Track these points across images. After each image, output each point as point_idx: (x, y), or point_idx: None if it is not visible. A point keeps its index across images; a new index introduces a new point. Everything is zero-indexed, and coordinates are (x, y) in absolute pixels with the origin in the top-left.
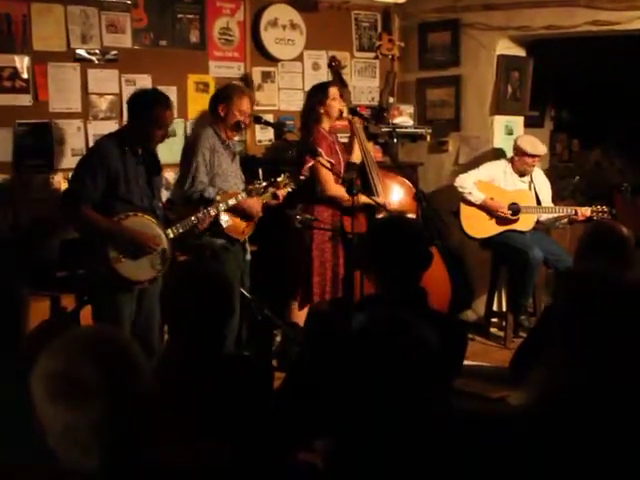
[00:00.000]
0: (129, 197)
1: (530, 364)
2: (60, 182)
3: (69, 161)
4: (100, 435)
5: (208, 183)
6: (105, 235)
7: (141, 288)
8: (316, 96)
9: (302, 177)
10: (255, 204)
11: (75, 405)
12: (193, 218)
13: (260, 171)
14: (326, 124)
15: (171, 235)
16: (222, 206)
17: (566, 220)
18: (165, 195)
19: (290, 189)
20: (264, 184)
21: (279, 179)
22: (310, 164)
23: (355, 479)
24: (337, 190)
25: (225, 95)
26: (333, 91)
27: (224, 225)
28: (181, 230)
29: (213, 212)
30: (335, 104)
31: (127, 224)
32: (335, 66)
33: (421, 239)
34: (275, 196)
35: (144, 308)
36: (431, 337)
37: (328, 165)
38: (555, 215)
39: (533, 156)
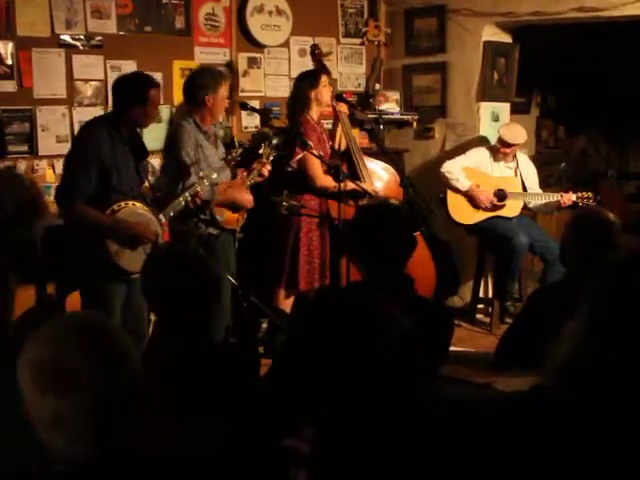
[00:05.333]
0: (121, 186)
1: (515, 350)
2: (45, 169)
3: (54, 148)
4: (89, 422)
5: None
6: (106, 232)
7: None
8: (307, 83)
9: (290, 169)
10: (248, 198)
11: (63, 392)
12: (181, 199)
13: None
14: (315, 112)
15: (163, 220)
16: (206, 181)
17: (555, 207)
18: (151, 180)
19: (272, 157)
20: (240, 151)
21: (261, 151)
22: (299, 156)
23: (340, 465)
24: (326, 181)
25: (212, 85)
26: (324, 78)
27: (221, 220)
28: (172, 213)
29: (199, 188)
30: (326, 91)
31: (122, 216)
32: (317, 54)
33: (404, 225)
34: (260, 174)
35: (133, 295)
36: (407, 322)
37: (318, 156)
38: (544, 201)
39: (510, 145)
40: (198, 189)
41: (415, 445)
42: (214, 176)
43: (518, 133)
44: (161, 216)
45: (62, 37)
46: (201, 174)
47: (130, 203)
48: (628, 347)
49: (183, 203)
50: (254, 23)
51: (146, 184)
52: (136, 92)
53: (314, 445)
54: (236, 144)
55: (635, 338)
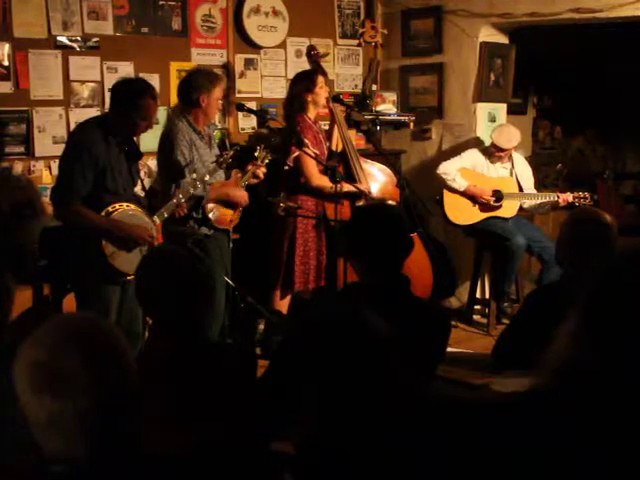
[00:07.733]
0: (115, 187)
1: (512, 351)
2: (41, 170)
3: (50, 149)
4: (86, 423)
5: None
6: (103, 234)
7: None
8: (303, 84)
9: (286, 167)
10: (242, 194)
11: (59, 394)
12: (175, 200)
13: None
14: (312, 113)
15: (158, 221)
16: (199, 183)
17: (549, 206)
18: (147, 182)
19: (268, 160)
20: (232, 153)
21: (256, 154)
22: (295, 154)
23: (337, 466)
24: (321, 180)
25: (206, 85)
26: (320, 79)
27: (212, 218)
28: (166, 215)
29: (192, 190)
30: (322, 92)
31: (118, 218)
32: (314, 55)
33: (401, 225)
34: (255, 175)
35: (128, 296)
36: (381, 325)
37: (313, 156)
38: (538, 201)
39: (504, 150)
40: (191, 190)
41: (411, 445)
42: (207, 177)
43: (511, 137)
44: (155, 217)
45: (59, 38)
46: (194, 175)
47: (124, 205)
48: (624, 348)
49: (177, 204)
50: (251, 24)
51: (139, 187)
52: (123, 98)
53: (302, 447)
54: (227, 146)
55: (631, 339)
